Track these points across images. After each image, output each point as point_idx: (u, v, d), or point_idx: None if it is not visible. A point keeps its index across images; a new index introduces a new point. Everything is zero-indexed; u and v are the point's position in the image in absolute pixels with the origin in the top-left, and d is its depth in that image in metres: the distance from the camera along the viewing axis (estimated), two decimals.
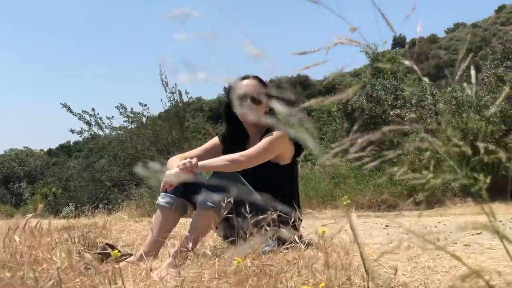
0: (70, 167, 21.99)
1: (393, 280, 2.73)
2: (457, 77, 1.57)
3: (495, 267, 3.10)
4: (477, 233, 4.70)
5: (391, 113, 14.27)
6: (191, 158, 3.73)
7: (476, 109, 12.47)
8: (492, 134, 11.60)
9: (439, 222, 6.51)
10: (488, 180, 1.59)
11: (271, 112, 4.20)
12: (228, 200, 3.40)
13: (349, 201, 2.20)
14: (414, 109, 14.30)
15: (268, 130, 4.05)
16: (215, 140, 4.35)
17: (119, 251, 3.84)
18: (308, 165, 14.99)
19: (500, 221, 6.72)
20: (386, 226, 6.31)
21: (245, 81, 4.17)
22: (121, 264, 3.54)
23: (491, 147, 1.53)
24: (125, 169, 18.75)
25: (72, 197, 19.79)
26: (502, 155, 1.62)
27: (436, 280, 2.98)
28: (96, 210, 11.82)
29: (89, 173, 20.08)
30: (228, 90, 4.25)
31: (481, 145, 1.73)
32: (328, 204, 12.23)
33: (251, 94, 4.09)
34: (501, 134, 11.74)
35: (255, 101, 4.09)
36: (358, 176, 12.89)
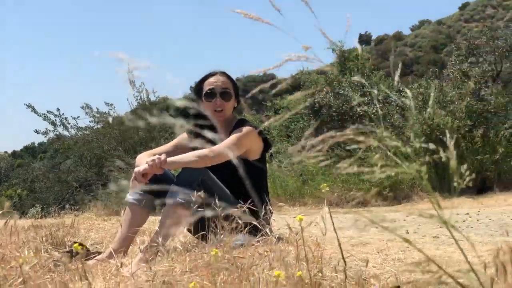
0: (35, 169, 21.72)
1: (364, 272, 2.73)
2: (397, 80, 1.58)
3: (463, 258, 3.11)
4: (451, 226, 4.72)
5: (358, 109, 14.34)
6: (160, 154, 3.69)
7: (442, 105, 12.59)
8: (458, 129, 11.72)
9: (407, 216, 6.55)
10: (424, 174, 1.62)
11: (239, 107, 4.19)
12: (198, 194, 3.38)
13: (327, 189, 2.19)
14: (381, 105, 14.40)
15: (237, 126, 4.04)
16: (184, 135, 4.32)
17: (88, 249, 3.81)
18: (274, 163, 15.01)
19: (467, 213, 6.80)
20: (356, 220, 6.32)
21: (213, 77, 4.15)
22: (91, 262, 3.51)
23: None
24: (91, 170, 18.60)
25: (38, 199, 19.56)
26: (442, 154, 1.63)
27: (406, 271, 2.99)
28: (63, 211, 11.69)
29: (54, 174, 19.86)
30: (196, 86, 4.21)
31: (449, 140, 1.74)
32: (296, 201, 12.26)
33: (222, 89, 4.09)
34: (467, 129, 11.86)
35: (223, 97, 4.08)
36: (326, 173, 12.94)
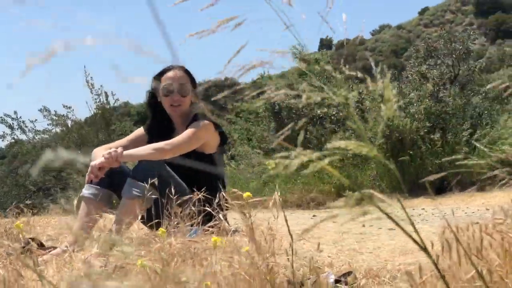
0: None
1: (317, 260, 2.76)
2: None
3: (416, 247, 3.16)
4: (402, 220, 4.79)
5: (318, 111, 14.43)
6: (116, 148, 3.69)
7: (401, 106, 12.71)
8: (417, 131, 11.85)
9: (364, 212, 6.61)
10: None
11: (196, 102, 4.21)
12: (153, 187, 3.38)
13: (274, 165, 2.20)
14: (340, 107, 14.50)
15: (193, 120, 4.06)
16: (140, 130, 4.33)
17: (43, 244, 3.78)
18: (232, 164, 15.03)
19: (423, 208, 6.93)
20: (313, 216, 6.41)
21: (171, 72, 4.16)
22: (46, 256, 3.48)
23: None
24: (50, 173, 18.38)
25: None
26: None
27: (360, 260, 3.04)
28: (21, 215, 11.53)
29: (12, 178, 19.59)
30: (153, 80, 4.22)
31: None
32: (257, 203, 12.26)
33: (179, 84, 4.10)
34: (425, 130, 11.99)
35: (181, 92, 4.09)
36: (286, 174, 12.99)
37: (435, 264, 1.57)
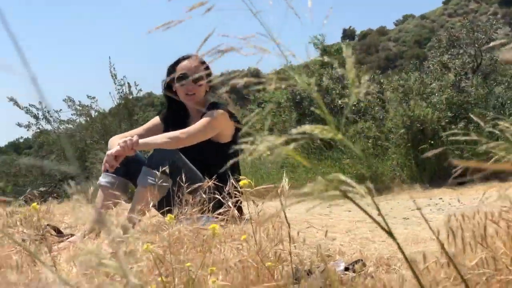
0: (20, 164, 21.62)
1: (329, 246, 2.78)
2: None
3: (428, 236, 3.18)
4: (417, 209, 4.80)
5: (339, 102, 14.39)
6: (132, 136, 3.72)
7: (423, 96, 12.64)
8: (439, 121, 11.77)
9: (381, 202, 6.61)
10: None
11: (212, 91, 4.23)
12: (167, 175, 3.41)
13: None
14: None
15: (209, 109, 4.08)
16: (156, 119, 4.36)
17: (61, 232, 3.83)
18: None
19: (440, 198, 6.90)
20: (330, 205, 6.41)
21: (185, 61, 4.18)
22: (62, 244, 3.53)
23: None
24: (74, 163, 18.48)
25: (22, 192, 19.42)
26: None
27: (372, 248, 3.04)
28: (45, 204, 11.64)
29: (38, 168, 19.77)
30: (168, 70, 4.25)
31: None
32: (271, 192, 12.24)
33: (193, 74, 4.12)
34: (447, 121, 11.91)
35: (195, 80, 4.11)
36: (307, 163, 12.97)
37: (444, 249, 1.58)
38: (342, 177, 1.06)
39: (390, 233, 1.05)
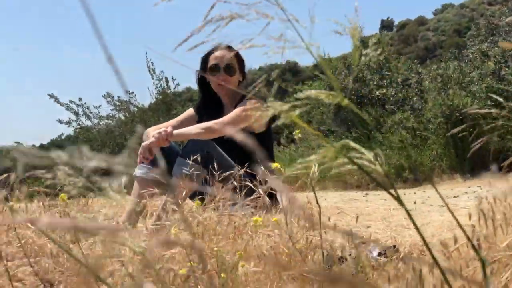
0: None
1: (363, 233, 2.77)
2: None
3: (463, 222, 3.15)
4: (454, 197, 4.77)
5: (377, 93, 14.32)
6: (166, 128, 3.75)
7: (462, 86, 12.51)
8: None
9: (418, 190, 6.57)
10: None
11: (244, 81, 4.24)
12: (202, 165, 3.43)
13: (300, 136, 2.22)
14: (400, 88, 14.35)
15: (242, 99, 4.09)
16: (190, 111, 4.38)
17: None
18: (291, 147, 15.05)
19: (479, 186, 6.83)
20: (366, 194, 6.40)
21: (219, 52, 4.19)
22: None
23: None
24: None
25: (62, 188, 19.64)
26: None
27: (407, 235, 3.03)
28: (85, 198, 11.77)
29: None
30: (202, 61, 4.26)
31: None
32: (316, 185, 12.25)
33: (225, 64, 4.13)
34: (487, 110, 11.74)
35: (227, 71, 4.13)
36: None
37: (465, 232, 1.56)
38: (352, 143, 1.05)
39: (399, 199, 1.04)
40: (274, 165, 2.26)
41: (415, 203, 4.33)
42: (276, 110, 1.07)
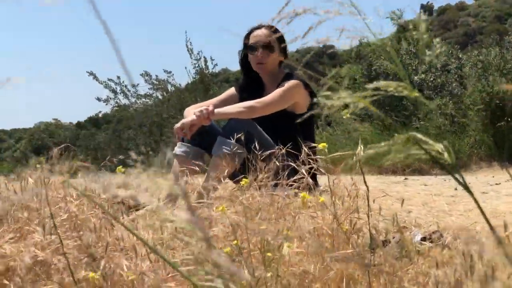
0: (99, 138, 22.14)
1: (405, 218, 2.74)
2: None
3: (507, 209, 3.11)
4: (496, 184, 4.71)
5: (416, 78, 14.17)
6: (207, 106, 3.74)
7: (503, 72, 12.34)
8: None
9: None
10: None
11: (286, 61, 4.21)
12: (242, 144, 3.42)
13: (348, 115, 2.20)
14: (439, 73, 14.18)
15: (284, 79, 4.06)
16: (232, 90, 4.37)
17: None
18: (328, 130, 14.99)
19: None
20: (405, 178, 6.35)
21: (258, 31, 4.17)
22: (140, 211, 3.58)
23: None
24: (150, 137, 18.75)
25: (101, 166, 19.82)
26: None
27: (449, 221, 2.99)
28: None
29: (116, 142, 20.19)
30: (243, 40, 4.25)
31: None
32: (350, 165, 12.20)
33: (263, 43, 4.11)
34: None
35: (265, 50, 4.10)
36: (381, 140, 12.85)
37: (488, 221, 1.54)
38: (419, 135, 1.03)
39: (466, 187, 1.01)
40: (322, 145, 2.24)
41: (456, 189, 4.28)
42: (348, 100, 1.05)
